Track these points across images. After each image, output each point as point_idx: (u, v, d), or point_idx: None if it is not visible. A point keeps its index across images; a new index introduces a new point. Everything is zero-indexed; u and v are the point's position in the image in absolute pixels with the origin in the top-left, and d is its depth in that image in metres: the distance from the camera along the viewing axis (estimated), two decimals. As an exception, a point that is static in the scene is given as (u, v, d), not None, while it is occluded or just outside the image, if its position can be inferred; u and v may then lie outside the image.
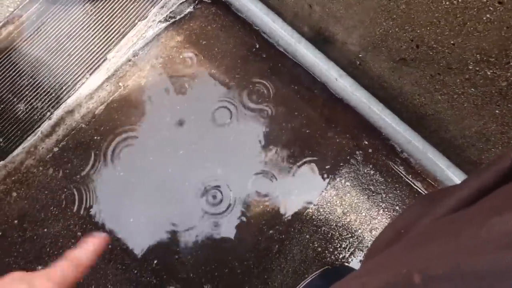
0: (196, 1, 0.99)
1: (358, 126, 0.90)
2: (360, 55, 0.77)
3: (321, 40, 0.82)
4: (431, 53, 0.61)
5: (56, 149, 0.92)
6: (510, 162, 0.30)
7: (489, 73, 0.56)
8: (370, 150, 0.90)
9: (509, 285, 0.19)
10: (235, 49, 0.97)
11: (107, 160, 0.90)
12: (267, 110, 0.92)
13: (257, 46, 0.96)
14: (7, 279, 0.29)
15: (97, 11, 0.98)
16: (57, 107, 0.93)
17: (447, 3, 0.52)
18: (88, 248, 0.31)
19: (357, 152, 0.90)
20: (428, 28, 0.58)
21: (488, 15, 0.49)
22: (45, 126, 0.93)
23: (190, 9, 0.99)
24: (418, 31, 0.60)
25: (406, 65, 0.68)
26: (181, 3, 0.98)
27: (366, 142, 0.90)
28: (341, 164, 0.90)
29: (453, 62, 0.59)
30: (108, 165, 0.90)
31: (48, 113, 0.93)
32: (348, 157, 0.90)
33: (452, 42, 0.57)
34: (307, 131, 0.92)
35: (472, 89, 0.61)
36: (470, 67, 0.58)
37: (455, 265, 0.21)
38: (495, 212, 0.25)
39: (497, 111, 0.61)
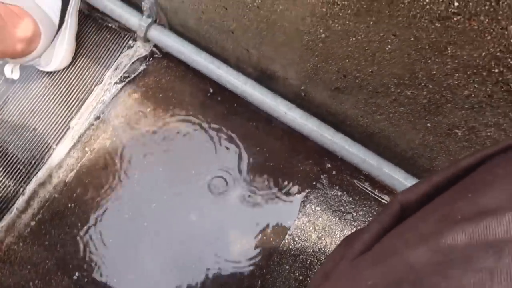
0: (148, 58, 1.04)
1: (318, 151, 0.93)
2: (302, 88, 0.80)
3: (266, 78, 0.86)
4: (357, 80, 0.65)
5: (33, 223, 0.94)
6: (398, 207, 0.32)
7: (409, 93, 0.59)
8: (334, 172, 0.93)
9: None
10: (192, 97, 1.01)
11: (83, 226, 0.92)
12: (232, 149, 0.95)
13: (211, 91, 1.00)
14: None
15: (55, 83, 1.02)
16: (29, 182, 0.96)
17: (353, 39, 0.56)
18: None
19: (322, 176, 0.93)
20: (347, 60, 0.62)
21: (389, 46, 0.53)
22: (20, 202, 0.95)
23: (143, 66, 1.03)
24: (340, 63, 0.64)
25: (341, 93, 0.72)
26: (133, 63, 1.03)
27: (329, 165, 0.93)
28: (308, 190, 0.92)
29: (378, 86, 0.63)
30: (85, 230, 0.92)
31: (21, 189, 0.96)
32: (314, 183, 0.93)
33: (370, 70, 0.60)
34: (272, 164, 0.95)
35: (402, 108, 0.64)
36: (393, 90, 0.61)
37: None
38: (392, 252, 0.27)
39: (428, 125, 0.64)
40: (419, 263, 0.25)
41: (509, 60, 0.43)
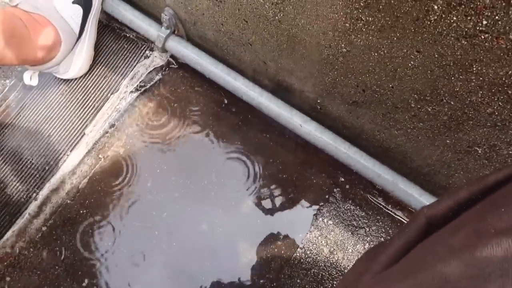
0: (164, 68, 1.05)
1: (333, 164, 0.93)
2: (318, 101, 0.81)
3: (282, 91, 0.87)
4: (376, 95, 0.65)
5: (44, 228, 0.94)
6: (424, 221, 0.32)
7: (429, 109, 0.59)
8: (347, 186, 0.92)
9: None
10: (206, 108, 1.01)
11: (94, 232, 0.92)
12: (244, 160, 0.96)
13: (226, 102, 1.01)
14: None
15: (72, 91, 1.03)
16: (42, 187, 0.97)
17: (375, 54, 0.56)
18: None
19: (335, 190, 0.93)
20: (367, 75, 0.62)
21: (412, 62, 0.53)
22: (32, 207, 0.96)
23: (159, 76, 1.05)
24: (360, 78, 0.64)
25: (359, 107, 0.72)
26: (149, 72, 1.04)
27: (343, 179, 0.93)
28: (321, 203, 0.92)
29: (397, 102, 0.63)
30: (96, 237, 0.92)
31: (34, 194, 0.97)
32: (327, 196, 0.92)
33: (390, 85, 0.61)
34: (284, 176, 0.95)
35: (421, 124, 0.64)
36: (413, 105, 0.61)
37: None
38: (418, 268, 0.27)
39: (448, 141, 0.64)
40: (454, 276, 0.24)
41: (535, 78, 0.44)
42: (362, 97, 0.68)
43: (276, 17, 0.66)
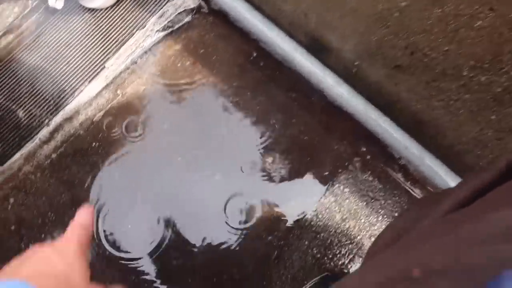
0: (194, 11, 1.00)
1: (357, 132, 0.90)
2: (356, 63, 0.77)
3: (317, 48, 0.83)
4: (425, 60, 0.62)
5: (54, 155, 0.92)
6: (505, 163, 0.30)
7: (483, 79, 0.56)
8: (368, 157, 0.90)
9: (504, 275, 0.19)
10: (233, 58, 0.97)
11: (105, 167, 0.90)
12: (265, 117, 0.93)
13: (255, 55, 0.97)
14: (29, 251, 0.31)
15: (96, 21, 0.99)
16: (56, 114, 0.94)
17: (439, 10, 0.53)
18: (85, 214, 0.35)
19: (355, 159, 0.90)
20: (422, 35, 0.59)
21: (480, 22, 0.50)
22: (44, 132, 0.93)
23: (188, 18, 1.00)
24: (412, 38, 0.61)
25: (402, 72, 0.69)
26: (179, 13, 0.99)
27: (365, 149, 0.90)
28: (340, 170, 0.90)
29: (448, 68, 0.60)
30: (106, 171, 0.90)
31: (47, 120, 0.94)
32: (346, 164, 0.90)
33: (446, 48, 0.57)
34: (306, 137, 0.92)
35: (468, 95, 0.61)
36: (465, 73, 0.58)
37: (455, 259, 0.21)
38: (492, 209, 0.26)
39: (492, 117, 0.61)
40: None
41: None
42: (408, 60, 0.65)
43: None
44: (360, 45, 0.72)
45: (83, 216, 0.35)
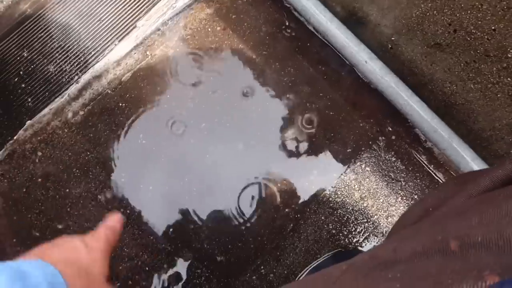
0: (228, -26, 0.98)
1: (383, 111, 0.89)
2: (392, 38, 0.75)
3: (353, 21, 0.81)
4: (468, 38, 0.60)
5: (82, 113, 0.93)
6: None
7: (529, 63, 0.54)
8: (393, 137, 0.89)
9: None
10: (264, 26, 0.96)
11: (130, 128, 0.91)
12: (294, 88, 0.92)
13: (287, 24, 0.95)
14: (60, 239, 0.33)
15: (129, -22, 0.98)
16: (85, 72, 0.95)
17: (493, -15, 0.50)
18: (116, 220, 0.38)
19: (380, 138, 0.89)
20: (469, 11, 0.56)
21: (536, 0, 0.47)
22: (72, 89, 0.94)
23: (222, -18, 0.98)
24: (458, 14, 0.58)
25: (440, 51, 0.67)
26: (213, -25, 0.97)
27: (390, 129, 0.89)
28: (363, 148, 0.89)
29: (492, 49, 0.57)
30: (131, 132, 0.91)
31: (76, 77, 0.95)
32: (370, 142, 0.89)
33: (493, 27, 0.55)
34: (331, 113, 0.91)
35: (509, 79, 0.59)
36: (510, 55, 0.56)
37: (497, 232, 0.21)
38: None
39: (532, 103, 0.59)
40: None
41: None
42: (450, 39, 0.63)
43: None
44: (400, 19, 0.70)
45: (113, 220, 0.37)
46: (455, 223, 0.26)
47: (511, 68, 0.57)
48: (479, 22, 0.56)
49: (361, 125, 0.90)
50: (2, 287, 0.25)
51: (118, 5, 0.97)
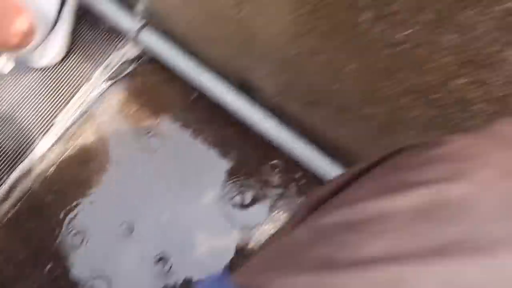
0: (137, 59, 1.08)
1: (291, 160, 0.97)
2: (276, 99, 0.85)
3: (245, 87, 0.91)
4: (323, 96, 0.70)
5: (11, 213, 0.97)
6: (315, 198, 0.37)
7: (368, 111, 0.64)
8: (304, 181, 0.97)
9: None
10: (175, 101, 1.05)
11: (60, 218, 0.95)
12: (212, 153, 1.00)
13: (195, 95, 1.04)
14: None
15: (45, 78, 1.06)
16: (11, 172, 0.99)
17: (323, 56, 0.60)
18: None
19: (291, 184, 0.97)
20: (315, 76, 0.66)
21: (351, 65, 0.57)
22: (1, 191, 0.98)
23: (132, 67, 1.07)
24: (309, 79, 0.68)
25: (314, 106, 0.76)
26: (122, 63, 1.07)
27: (300, 174, 0.97)
28: (277, 197, 0.96)
29: (341, 103, 0.67)
30: (62, 224, 0.95)
31: (5, 177, 0.99)
32: (283, 190, 0.97)
33: (334, 87, 0.65)
34: (244, 170, 0.99)
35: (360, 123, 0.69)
36: (354, 107, 0.66)
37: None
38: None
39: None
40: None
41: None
42: (313, 97, 0.73)
43: (238, 15, 0.70)
44: (275, 85, 0.80)
45: None
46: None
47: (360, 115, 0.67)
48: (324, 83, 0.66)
49: (272, 175, 0.98)
50: None
51: (36, 104, 1.04)
